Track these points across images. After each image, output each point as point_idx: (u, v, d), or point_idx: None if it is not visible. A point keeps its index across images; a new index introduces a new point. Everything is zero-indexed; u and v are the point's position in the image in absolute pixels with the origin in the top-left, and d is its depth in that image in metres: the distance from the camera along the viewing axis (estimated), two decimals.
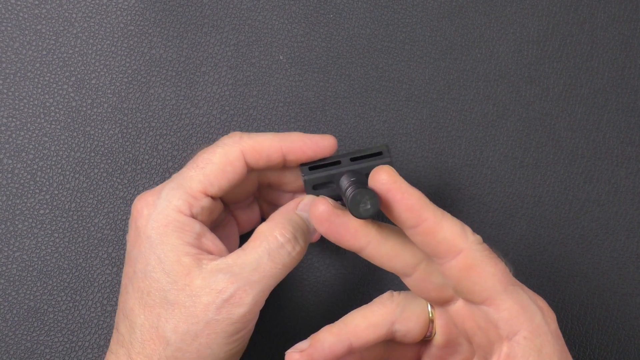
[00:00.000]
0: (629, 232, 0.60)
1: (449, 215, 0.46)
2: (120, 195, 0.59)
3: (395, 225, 0.47)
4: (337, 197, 0.51)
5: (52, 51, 0.59)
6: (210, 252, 0.49)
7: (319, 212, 0.46)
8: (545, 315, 0.46)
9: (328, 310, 0.59)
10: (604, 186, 0.60)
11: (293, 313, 0.59)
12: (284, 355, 0.58)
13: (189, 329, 0.47)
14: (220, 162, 0.50)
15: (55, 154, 0.59)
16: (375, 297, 0.51)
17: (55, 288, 0.58)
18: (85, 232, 0.58)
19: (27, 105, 0.59)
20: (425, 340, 0.51)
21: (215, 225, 0.54)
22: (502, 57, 0.60)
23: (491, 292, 0.45)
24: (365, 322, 0.49)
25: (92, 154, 0.59)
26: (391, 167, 0.46)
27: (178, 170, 0.55)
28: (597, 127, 0.60)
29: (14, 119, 0.59)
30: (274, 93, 0.60)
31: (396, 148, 0.60)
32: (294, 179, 0.54)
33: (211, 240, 0.50)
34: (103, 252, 0.58)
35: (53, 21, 0.59)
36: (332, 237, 0.47)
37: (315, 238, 0.55)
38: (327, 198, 0.47)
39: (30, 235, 0.58)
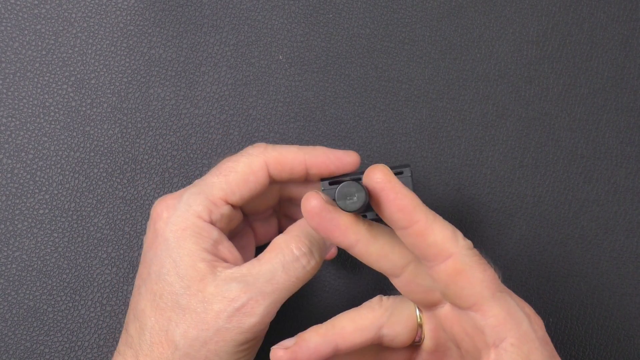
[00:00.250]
0: (628, 232, 0.60)
1: (440, 218, 0.46)
2: (120, 195, 0.59)
3: (387, 225, 0.47)
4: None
5: (52, 51, 0.59)
6: (225, 260, 0.50)
7: (311, 206, 0.46)
8: (532, 322, 0.46)
9: (325, 312, 0.59)
10: (603, 186, 0.60)
11: (292, 313, 0.59)
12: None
13: (198, 335, 0.47)
14: (243, 171, 0.50)
15: (54, 154, 0.59)
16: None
17: (55, 288, 0.58)
18: (85, 232, 0.58)
19: (26, 105, 0.59)
20: (415, 345, 0.51)
21: (233, 234, 0.54)
22: (501, 57, 0.60)
23: (478, 298, 0.45)
24: (353, 325, 0.49)
25: (92, 154, 0.59)
26: (386, 167, 0.46)
27: (177, 170, 0.55)
28: (597, 127, 0.60)
29: (13, 119, 0.59)
30: (273, 93, 0.60)
31: (396, 148, 0.60)
32: None
33: (228, 248, 0.50)
34: (102, 252, 0.58)
35: (52, 21, 0.59)
36: (322, 232, 0.46)
37: (330, 255, 0.55)
38: (321, 193, 0.47)
39: (29, 235, 0.58)
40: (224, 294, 0.48)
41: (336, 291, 0.59)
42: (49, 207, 0.58)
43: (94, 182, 0.59)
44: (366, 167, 0.51)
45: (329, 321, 0.50)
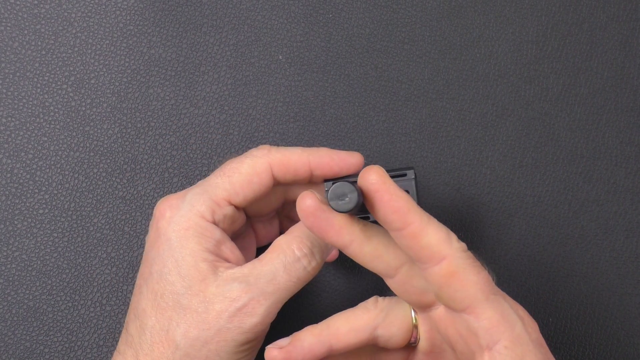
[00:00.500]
0: (628, 232, 0.60)
1: (435, 220, 0.46)
2: (120, 195, 0.59)
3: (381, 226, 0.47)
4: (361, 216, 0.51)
5: (52, 51, 0.59)
6: (227, 260, 0.50)
7: (305, 205, 0.46)
8: (526, 324, 0.46)
9: (324, 312, 0.59)
10: (603, 186, 0.60)
11: (292, 313, 0.59)
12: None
13: (199, 335, 0.48)
14: (247, 172, 0.50)
15: (54, 154, 0.59)
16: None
17: (55, 288, 0.58)
18: (85, 231, 0.58)
19: (26, 105, 0.59)
20: (411, 346, 0.51)
21: (236, 235, 0.54)
22: (501, 57, 0.60)
23: (472, 301, 0.45)
24: (347, 325, 0.49)
25: (92, 154, 0.59)
26: (381, 168, 0.46)
27: (177, 170, 0.55)
28: (597, 127, 0.60)
29: (13, 119, 0.59)
30: (273, 93, 0.60)
31: (396, 148, 0.60)
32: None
33: (230, 249, 0.50)
34: (102, 252, 0.58)
35: (52, 21, 0.59)
36: (316, 231, 0.46)
37: (332, 257, 0.55)
38: (315, 192, 0.47)
39: (29, 235, 0.58)
40: (225, 294, 0.48)
41: (335, 291, 0.59)
42: (49, 207, 0.58)
43: (93, 182, 0.59)
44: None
45: (323, 321, 0.50)
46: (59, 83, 0.59)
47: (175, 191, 0.59)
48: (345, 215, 0.46)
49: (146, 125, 0.59)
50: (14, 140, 0.59)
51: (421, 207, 0.49)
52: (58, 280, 0.58)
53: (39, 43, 0.59)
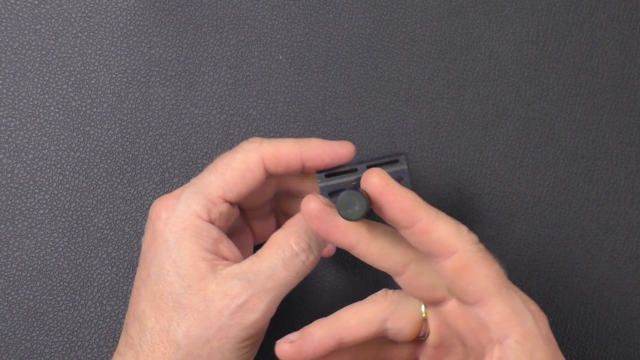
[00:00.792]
0: (628, 232, 0.60)
1: (443, 214, 0.46)
2: (120, 195, 0.59)
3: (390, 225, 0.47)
4: None
5: (52, 51, 0.59)
6: (225, 258, 0.50)
7: (310, 208, 0.46)
8: (537, 319, 0.46)
9: (326, 310, 0.59)
10: (603, 186, 0.60)
11: (292, 313, 0.59)
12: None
13: (201, 334, 0.48)
14: (240, 168, 0.50)
15: (54, 154, 0.59)
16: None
17: (55, 288, 0.58)
18: (85, 232, 0.58)
19: (26, 105, 0.59)
20: (420, 340, 0.51)
21: (231, 232, 0.54)
22: (501, 57, 0.60)
23: (484, 294, 0.45)
24: (357, 318, 0.49)
25: (92, 154, 0.59)
26: (382, 170, 0.46)
27: (177, 170, 0.55)
28: (597, 127, 0.60)
29: (13, 119, 0.59)
30: (273, 93, 0.60)
31: (396, 148, 0.60)
32: (312, 187, 0.55)
33: (227, 247, 0.50)
34: (102, 252, 0.58)
35: (52, 21, 0.59)
36: (323, 234, 0.47)
37: (328, 252, 0.55)
38: (319, 195, 0.47)
39: (29, 235, 0.58)
40: (225, 291, 0.48)
41: (336, 291, 0.59)
42: (49, 207, 0.58)
43: (94, 182, 0.59)
44: (362, 160, 0.52)
45: (333, 314, 0.50)
46: (59, 83, 0.59)
47: (173, 191, 0.59)
48: None
49: (146, 126, 0.59)
50: (14, 141, 0.59)
51: (417, 191, 0.50)
52: (58, 280, 0.58)
53: (40, 43, 0.59)
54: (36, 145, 0.59)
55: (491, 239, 0.60)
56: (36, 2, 0.60)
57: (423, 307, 0.50)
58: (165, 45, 0.60)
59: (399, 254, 0.48)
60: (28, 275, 0.58)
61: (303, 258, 0.49)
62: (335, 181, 0.52)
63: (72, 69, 0.59)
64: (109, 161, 0.59)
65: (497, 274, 0.46)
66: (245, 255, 0.55)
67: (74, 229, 0.58)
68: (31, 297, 0.58)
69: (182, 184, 0.59)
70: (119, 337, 0.58)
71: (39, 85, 0.59)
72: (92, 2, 0.60)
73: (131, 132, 0.59)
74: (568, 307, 0.59)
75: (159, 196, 0.59)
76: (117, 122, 0.59)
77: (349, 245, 0.47)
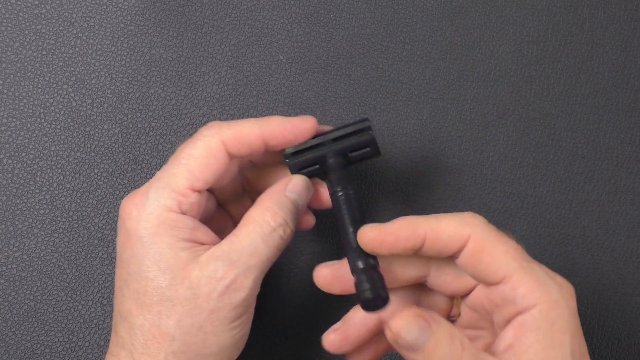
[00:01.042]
0: (629, 232, 0.60)
1: (443, 215, 0.47)
2: (120, 196, 0.59)
3: None
4: (323, 177, 0.53)
5: (52, 51, 0.59)
6: (205, 244, 0.50)
7: (321, 281, 0.50)
8: (563, 290, 0.46)
9: (327, 310, 0.59)
10: (604, 186, 0.60)
11: (293, 312, 0.59)
12: (283, 353, 0.58)
13: (193, 321, 0.48)
14: (202, 155, 0.50)
15: (55, 154, 0.59)
16: None
17: (55, 288, 0.58)
18: (85, 232, 0.58)
19: (27, 105, 0.59)
20: (451, 320, 0.52)
21: (208, 218, 0.54)
22: (502, 57, 0.60)
23: (506, 270, 0.46)
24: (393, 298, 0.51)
25: (92, 154, 0.59)
26: (368, 225, 0.48)
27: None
28: (597, 127, 0.60)
29: (14, 119, 0.59)
30: (274, 93, 0.60)
31: (396, 148, 0.60)
32: (280, 161, 0.55)
33: (205, 233, 0.50)
34: (103, 252, 0.58)
35: (53, 21, 0.59)
36: (336, 290, 0.50)
37: (307, 224, 0.55)
38: (324, 265, 0.50)
39: (30, 235, 0.58)
40: (210, 274, 0.48)
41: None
42: (50, 207, 0.58)
43: (94, 182, 0.59)
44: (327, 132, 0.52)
45: None
46: (59, 83, 0.59)
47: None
48: None
49: (147, 126, 0.59)
50: (14, 141, 0.59)
51: (382, 156, 0.53)
52: (59, 281, 0.58)
53: (40, 43, 0.59)
54: (37, 145, 0.59)
55: None
56: (36, 2, 0.60)
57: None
58: (165, 45, 0.60)
59: (413, 269, 0.50)
60: (28, 275, 0.58)
61: (280, 232, 0.50)
62: (302, 158, 0.52)
63: (72, 69, 0.59)
64: (109, 161, 0.59)
65: (515, 249, 0.47)
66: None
67: (74, 229, 0.58)
68: (31, 297, 0.58)
69: None
70: None
71: (40, 85, 0.59)
72: (93, 2, 0.60)
73: (131, 132, 0.59)
74: None
75: None
76: (118, 122, 0.59)
77: None
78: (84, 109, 0.59)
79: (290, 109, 0.60)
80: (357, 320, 0.50)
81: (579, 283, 0.59)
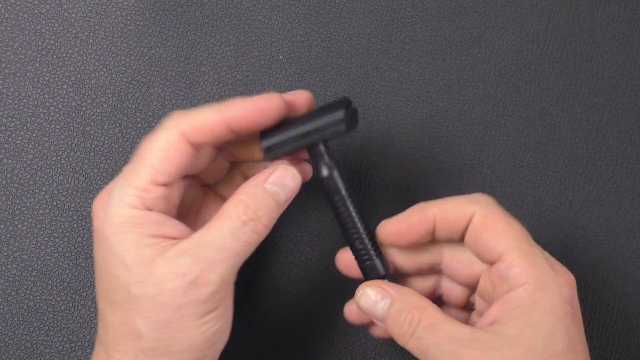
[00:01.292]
0: (629, 232, 0.60)
1: (449, 199, 0.50)
2: None
3: None
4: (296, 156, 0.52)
5: (52, 51, 0.59)
6: (174, 238, 0.48)
7: (342, 263, 0.53)
8: (559, 277, 0.47)
9: (327, 311, 0.59)
10: (604, 186, 0.60)
11: (292, 313, 0.59)
12: (282, 354, 0.58)
13: (159, 318, 0.47)
14: (162, 148, 0.48)
15: (54, 154, 0.59)
16: None
17: (55, 288, 0.58)
18: (85, 232, 0.58)
19: (26, 105, 0.59)
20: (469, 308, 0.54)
21: (193, 207, 0.53)
22: (502, 57, 0.60)
23: (504, 248, 0.47)
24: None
25: (92, 154, 0.59)
26: (385, 221, 0.50)
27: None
28: (597, 127, 0.60)
29: (13, 119, 0.59)
30: None
31: (396, 148, 0.60)
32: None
33: (175, 227, 0.49)
34: None
35: (53, 21, 0.59)
36: (358, 274, 0.53)
37: (303, 175, 0.53)
38: (346, 249, 0.52)
39: (29, 235, 0.58)
40: (175, 270, 0.47)
41: (336, 291, 0.59)
42: (49, 207, 0.58)
43: (94, 182, 0.59)
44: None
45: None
46: (59, 83, 0.59)
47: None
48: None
49: (147, 126, 0.59)
50: (14, 141, 0.59)
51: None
52: (58, 281, 0.58)
53: (40, 43, 0.59)
54: (36, 145, 0.59)
55: None
56: (36, 2, 0.60)
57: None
58: (165, 45, 0.60)
59: (427, 255, 0.52)
60: (28, 275, 0.58)
61: (252, 227, 0.48)
62: (273, 138, 0.50)
63: (72, 69, 0.59)
64: (109, 161, 0.59)
65: (518, 230, 0.48)
66: None
67: (74, 229, 0.58)
68: (31, 297, 0.58)
69: None
70: None
71: (39, 85, 0.59)
72: (92, 2, 0.60)
73: (131, 132, 0.59)
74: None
75: None
76: (117, 122, 0.59)
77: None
78: (84, 108, 0.59)
79: None
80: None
81: (579, 283, 0.59)
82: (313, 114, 0.50)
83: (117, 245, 0.47)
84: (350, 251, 0.52)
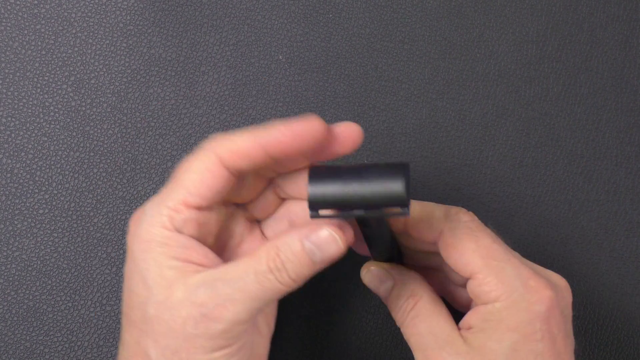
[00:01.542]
0: (628, 232, 0.60)
1: (428, 204, 0.50)
2: (120, 195, 0.59)
3: None
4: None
5: (51, 51, 0.59)
6: (201, 265, 0.47)
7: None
8: (530, 293, 0.47)
9: (328, 310, 0.59)
10: (603, 186, 0.60)
11: (292, 313, 0.59)
12: (282, 354, 0.58)
13: (168, 344, 0.46)
14: (197, 170, 0.47)
15: (54, 154, 0.59)
16: (379, 303, 0.55)
17: (55, 288, 0.58)
18: (85, 231, 0.58)
19: (26, 105, 0.59)
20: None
21: (231, 238, 0.51)
22: (501, 56, 0.60)
23: (474, 267, 0.48)
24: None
25: (92, 154, 0.59)
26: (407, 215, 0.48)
27: (176, 170, 0.54)
28: (597, 127, 0.60)
29: (13, 119, 0.59)
30: (273, 93, 0.60)
31: (396, 148, 0.60)
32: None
33: (201, 254, 0.47)
34: (102, 252, 0.58)
35: (52, 21, 0.59)
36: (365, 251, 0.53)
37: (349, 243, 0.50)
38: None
39: (29, 235, 0.58)
40: (192, 299, 0.45)
41: (340, 294, 0.59)
42: (49, 207, 0.58)
43: (93, 182, 0.59)
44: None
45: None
46: (59, 83, 0.59)
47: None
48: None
49: (146, 125, 0.59)
50: (14, 140, 0.59)
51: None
52: (58, 280, 0.58)
53: (39, 43, 0.59)
54: (36, 145, 0.59)
55: None
56: (36, 2, 0.60)
57: None
58: (165, 45, 0.60)
59: (433, 255, 0.53)
60: (28, 275, 0.58)
61: (277, 275, 0.46)
62: (328, 215, 0.45)
63: (71, 68, 0.59)
64: (108, 161, 0.59)
65: (486, 248, 0.48)
66: None
67: (73, 229, 0.58)
68: (31, 297, 0.58)
69: None
70: (118, 337, 0.58)
71: (39, 85, 0.59)
72: (92, 2, 0.60)
73: (131, 132, 0.59)
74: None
75: None
76: (117, 122, 0.59)
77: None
78: (83, 108, 0.59)
79: (289, 109, 0.60)
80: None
81: (578, 283, 0.59)
82: (373, 181, 0.45)
83: (141, 262, 0.47)
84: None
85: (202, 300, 0.45)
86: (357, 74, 0.60)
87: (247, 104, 0.60)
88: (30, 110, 0.59)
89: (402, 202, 0.43)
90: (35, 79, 0.59)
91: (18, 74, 0.59)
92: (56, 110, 0.59)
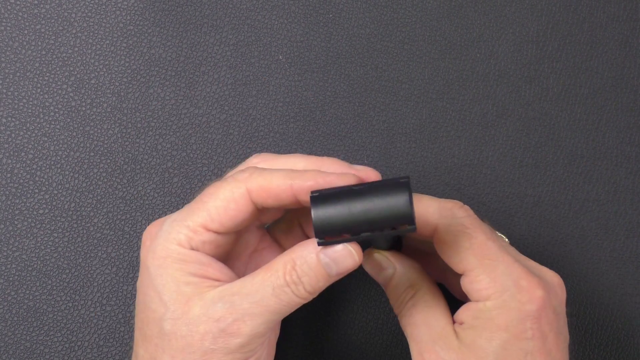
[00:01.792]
0: (628, 232, 0.60)
1: (425, 197, 0.50)
2: (120, 195, 0.59)
3: None
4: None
5: (52, 51, 0.59)
6: (217, 280, 0.47)
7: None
8: (520, 293, 0.47)
9: (327, 311, 0.59)
10: (603, 186, 0.60)
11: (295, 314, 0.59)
12: (282, 355, 0.58)
13: (185, 359, 0.46)
14: (224, 198, 0.48)
15: (54, 154, 0.59)
16: (379, 299, 0.53)
17: (55, 288, 0.58)
18: (85, 231, 0.58)
19: (26, 105, 0.59)
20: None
21: (245, 251, 0.52)
22: (501, 56, 0.60)
23: (467, 265, 0.48)
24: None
25: (92, 154, 0.59)
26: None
27: (177, 170, 0.54)
28: (597, 127, 0.60)
29: (13, 119, 0.59)
30: (273, 93, 0.60)
31: (396, 148, 0.60)
32: None
33: (218, 270, 0.48)
34: (102, 252, 0.58)
35: (52, 21, 0.59)
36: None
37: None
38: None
39: (29, 235, 0.58)
40: (209, 314, 0.46)
41: (341, 296, 0.59)
42: (49, 207, 0.58)
43: (93, 182, 0.59)
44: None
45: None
46: (59, 83, 0.59)
47: (176, 191, 0.59)
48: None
49: (146, 125, 0.59)
50: (14, 140, 0.59)
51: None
52: (58, 280, 0.58)
53: (39, 43, 0.59)
54: (36, 145, 0.59)
55: None
56: (36, 2, 0.60)
57: None
58: (165, 45, 0.60)
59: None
60: (28, 275, 0.58)
61: (294, 289, 0.46)
62: (334, 239, 0.45)
63: (71, 68, 0.59)
64: (108, 161, 0.59)
65: (479, 246, 0.48)
66: None
67: (73, 229, 0.58)
68: (31, 297, 0.58)
69: (181, 184, 0.59)
70: (118, 337, 0.58)
71: (39, 85, 0.59)
72: (92, 2, 0.60)
73: (131, 132, 0.59)
74: (568, 307, 0.59)
75: (158, 196, 0.59)
76: (117, 122, 0.59)
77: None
78: (83, 108, 0.59)
79: (289, 109, 0.60)
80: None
81: (578, 283, 0.59)
82: (377, 203, 0.44)
83: (157, 278, 0.47)
84: None
85: (220, 316, 0.46)
86: (357, 74, 0.60)
87: (248, 104, 0.60)
88: (30, 110, 0.59)
89: (409, 221, 0.44)
90: (35, 79, 0.59)
91: (18, 74, 0.59)
92: (56, 110, 0.59)
